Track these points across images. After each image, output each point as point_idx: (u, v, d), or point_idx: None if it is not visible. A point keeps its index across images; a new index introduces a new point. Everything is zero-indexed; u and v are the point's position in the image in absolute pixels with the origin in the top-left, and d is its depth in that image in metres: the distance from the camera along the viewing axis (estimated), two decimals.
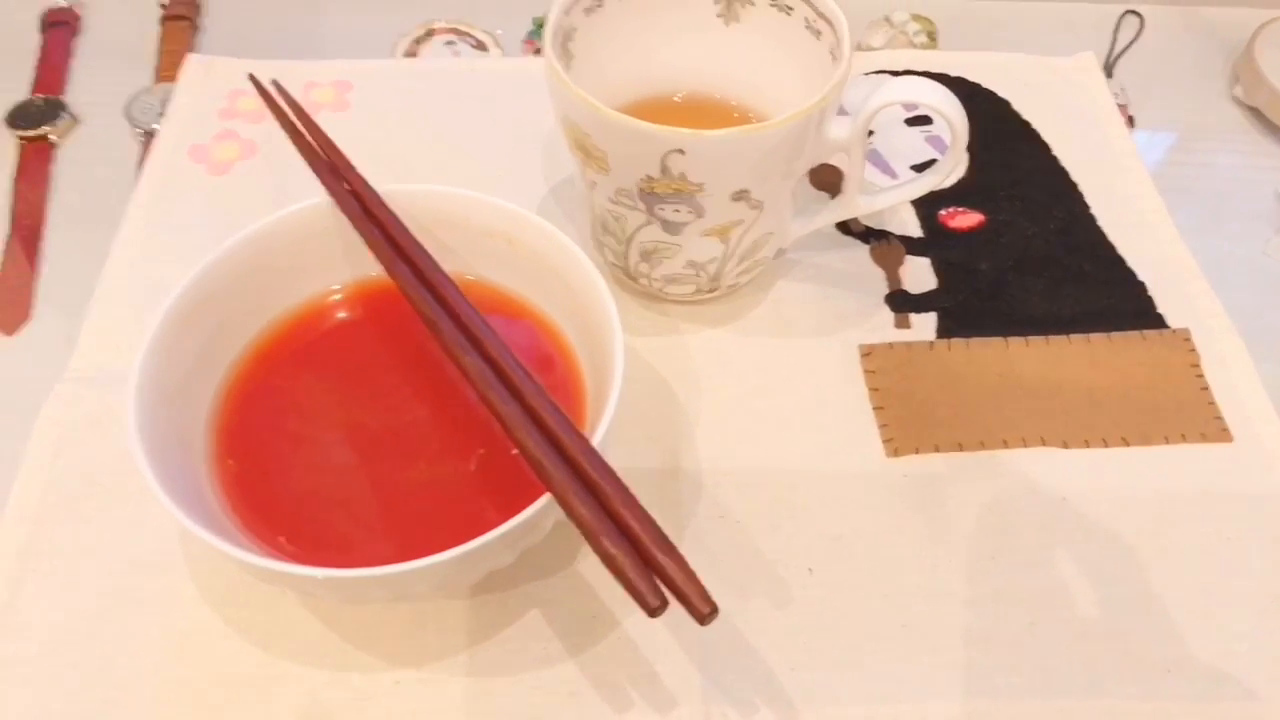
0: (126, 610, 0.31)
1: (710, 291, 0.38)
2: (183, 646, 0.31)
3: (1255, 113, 0.53)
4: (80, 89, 0.52)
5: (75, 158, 0.49)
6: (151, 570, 0.32)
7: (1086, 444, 0.36)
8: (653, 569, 0.24)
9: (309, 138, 0.34)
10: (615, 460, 0.35)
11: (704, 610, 0.24)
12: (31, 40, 0.54)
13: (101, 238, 0.41)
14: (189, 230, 0.41)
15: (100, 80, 0.53)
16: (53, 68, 0.53)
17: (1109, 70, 0.54)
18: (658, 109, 0.38)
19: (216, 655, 0.30)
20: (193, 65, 0.48)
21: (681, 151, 0.31)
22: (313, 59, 0.49)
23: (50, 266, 0.45)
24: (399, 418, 0.32)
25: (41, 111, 0.50)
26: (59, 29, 0.55)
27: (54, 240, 0.46)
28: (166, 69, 0.53)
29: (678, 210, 0.33)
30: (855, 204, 0.37)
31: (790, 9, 0.36)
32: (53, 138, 0.49)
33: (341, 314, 0.34)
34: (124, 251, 0.41)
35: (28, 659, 0.30)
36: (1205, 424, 0.36)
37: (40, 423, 0.35)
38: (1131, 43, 0.57)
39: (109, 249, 0.41)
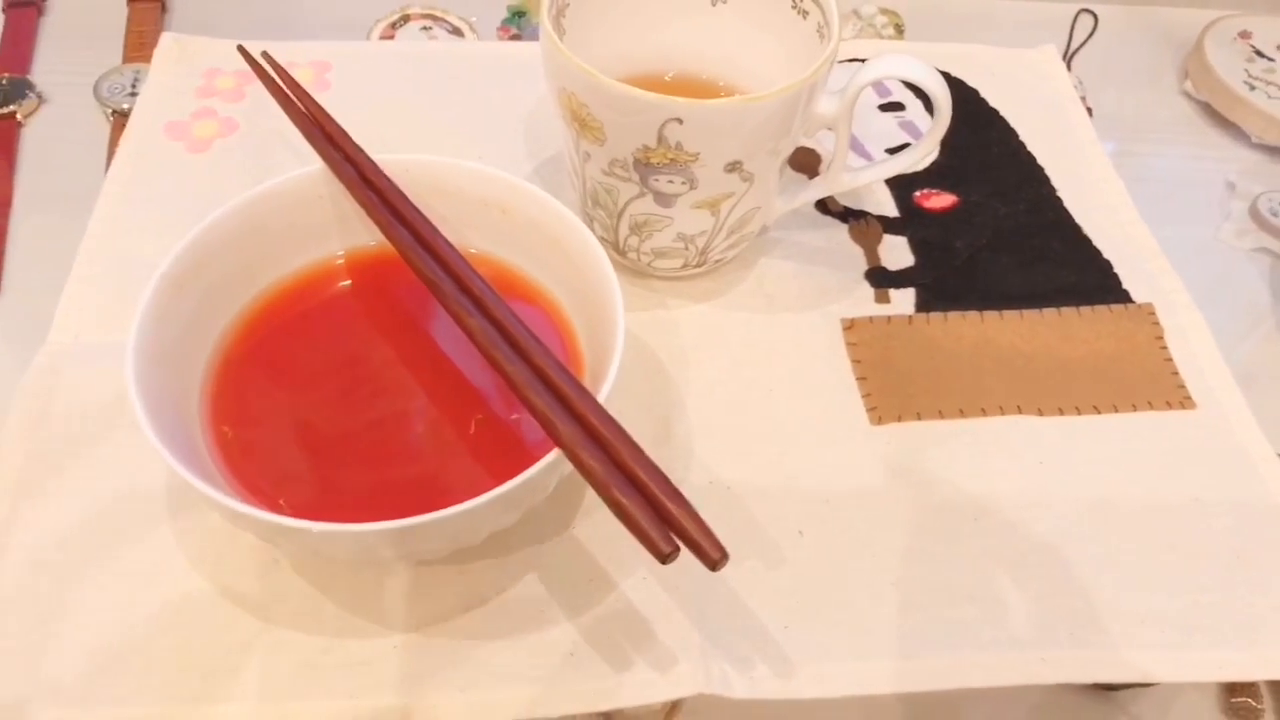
0: (115, 581, 0.31)
1: (697, 266, 0.39)
2: (175, 616, 0.30)
3: (1205, 106, 0.56)
4: (46, 69, 0.51)
5: (42, 136, 0.48)
6: (139, 542, 0.31)
7: (1060, 411, 0.37)
8: (663, 518, 0.25)
9: (302, 107, 0.34)
10: None
11: (715, 556, 0.24)
12: None
13: (70, 217, 0.40)
14: (168, 206, 0.41)
15: (66, 60, 0.52)
16: (17, 47, 0.52)
17: (1067, 65, 0.56)
18: (648, 87, 0.38)
19: (210, 623, 0.30)
20: (167, 44, 0.47)
21: (679, 120, 0.31)
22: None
23: (16, 246, 0.44)
24: (393, 384, 0.32)
25: (5, 91, 0.49)
26: (23, 9, 0.53)
27: (20, 220, 0.45)
28: (134, 49, 0.52)
29: (671, 181, 0.34)
30: (840, 179, 0.38)
31: None
32: (19, 116, 0.48)
33: (335, 282, 0.34)
34: (101, 226, 0.40)
35: (14, 633, 0.29)
36: (1170, 392, 0.38)
37: (20, 395, 0.34)
38: (1086, 40, 0.59)
39: (80, 227, 0.40)
